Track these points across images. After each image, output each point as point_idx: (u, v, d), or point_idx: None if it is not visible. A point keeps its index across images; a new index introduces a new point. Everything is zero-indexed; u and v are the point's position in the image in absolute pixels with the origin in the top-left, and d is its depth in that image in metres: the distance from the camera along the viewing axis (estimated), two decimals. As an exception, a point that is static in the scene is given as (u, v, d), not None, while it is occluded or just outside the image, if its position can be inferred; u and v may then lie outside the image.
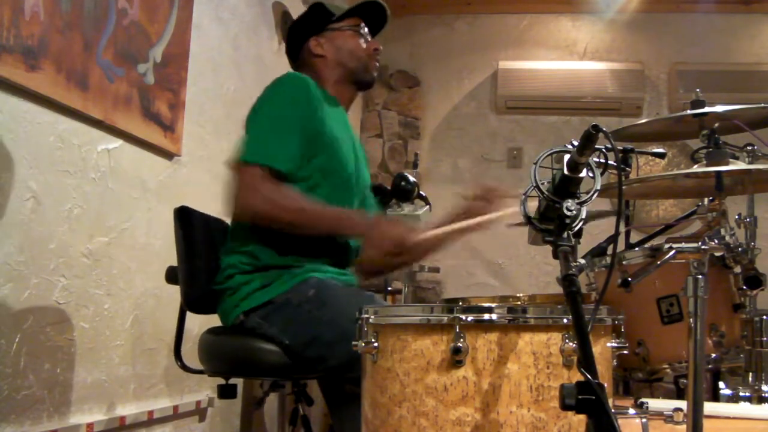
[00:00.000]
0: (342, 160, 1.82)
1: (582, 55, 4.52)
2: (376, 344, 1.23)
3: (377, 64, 1.97)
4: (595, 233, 2.01)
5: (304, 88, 1.77)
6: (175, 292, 1.83)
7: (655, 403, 1.59)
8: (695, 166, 1.92)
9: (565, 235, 1.11)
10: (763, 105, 1.96)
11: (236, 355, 1.71)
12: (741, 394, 1.83)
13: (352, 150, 1.90)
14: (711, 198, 1.99)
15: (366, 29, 1.97)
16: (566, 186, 1.12)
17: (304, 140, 1.72)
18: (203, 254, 1.80)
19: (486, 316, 1.16)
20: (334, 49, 1.93)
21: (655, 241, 2.17)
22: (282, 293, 1.68)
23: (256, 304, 1.68)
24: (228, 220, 1.85)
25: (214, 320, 1.81)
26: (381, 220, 1.67)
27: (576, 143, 1.09)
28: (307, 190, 1.72)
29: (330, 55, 1.92)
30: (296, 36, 1.97)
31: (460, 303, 1.92)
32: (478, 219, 1.68)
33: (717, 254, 1.85)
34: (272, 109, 1.76)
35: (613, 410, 0.88)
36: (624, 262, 1.85)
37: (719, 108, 1.93)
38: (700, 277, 1.28)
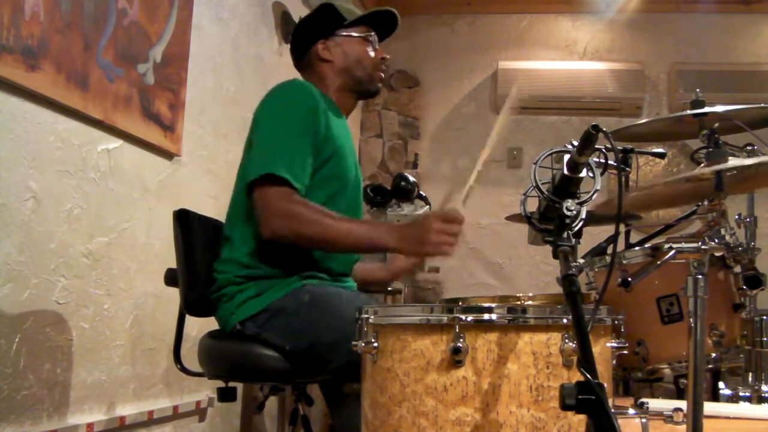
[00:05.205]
0: (344, 168, 1.80)
1: (582, 55, 4.51)
2: (376, 344, 1.23)
3: (382, 74, 1.94)
4: (595, 233, 2.01)
5: (311, 99, 1.74)
6: (174, 293, 1.83)
7: (655, 403, 1.59)
8: (697, 167, 1.92)
9: (565, 235, 1.11)
10: (763, 105, 1.96)
11: (236, 360, 1.69)
12: (741, 394, 1.82)
13: (354, 157, 1.89)
14: (711, 198, 1.98)
15: (375, 37, 1.94)
16: (566, 186, 1.12)
17: (315, 151, 1.71)
18: (202, 257, 1.79)
19: (486, 316, 1.16)
20: (342, 56, 1.89)
21: (655, 241, 2.17)
22: (276, 300, 1.66)
23: (251, 312, 1.66)
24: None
25: (213, 322, 1.81)
26: (402, 228, 1.69)
27: (576, 143, 1.09)
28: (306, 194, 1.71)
29: (337, 61, 1.89)
30: (303, 35, 1.93)
31: (460, 303, 1.92)
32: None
33: (717, 254, 1.84)
34: (285, 123, 1.72)
35: (613, 410, 0.88)
36: (624, 262, 1.84)
37: (719, 108, 1.93)
38: (700, 277, 1.27)
